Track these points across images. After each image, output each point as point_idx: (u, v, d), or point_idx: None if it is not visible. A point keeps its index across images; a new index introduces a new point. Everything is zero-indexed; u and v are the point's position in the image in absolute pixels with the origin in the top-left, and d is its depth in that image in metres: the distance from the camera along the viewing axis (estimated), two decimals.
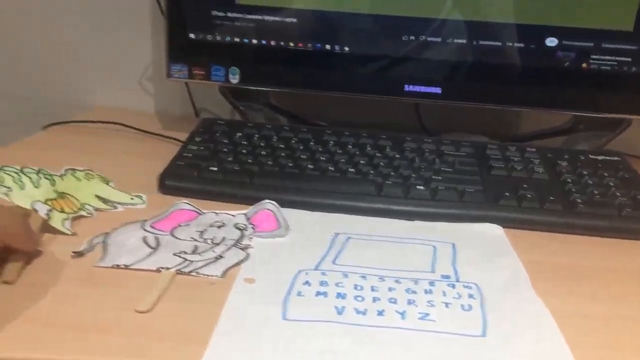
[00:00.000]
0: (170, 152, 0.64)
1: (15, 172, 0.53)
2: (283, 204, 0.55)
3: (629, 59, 0.67)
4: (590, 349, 0.37)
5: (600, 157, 0.65)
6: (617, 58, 0.67)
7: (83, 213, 0.52)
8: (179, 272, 0.44)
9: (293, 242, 0.49)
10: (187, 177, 0.58)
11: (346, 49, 0.70)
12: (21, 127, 0.75)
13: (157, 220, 0.52)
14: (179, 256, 0.46)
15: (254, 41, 0.70)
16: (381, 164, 0.61)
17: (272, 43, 0.70)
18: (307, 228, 0.52)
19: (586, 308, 0.43)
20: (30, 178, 0.53)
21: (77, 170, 0.58)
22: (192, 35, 0.71)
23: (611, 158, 0.65)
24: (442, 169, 0.61)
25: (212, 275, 0.44)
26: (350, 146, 0.64)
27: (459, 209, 0.56)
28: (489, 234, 0.53)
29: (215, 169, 0.59)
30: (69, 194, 0.54)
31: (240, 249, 0.48)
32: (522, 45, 0.68)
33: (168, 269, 0.44)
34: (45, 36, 0.88)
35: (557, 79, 0.69)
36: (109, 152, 0.70)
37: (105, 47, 0.87)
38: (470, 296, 0.42)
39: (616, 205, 0.56)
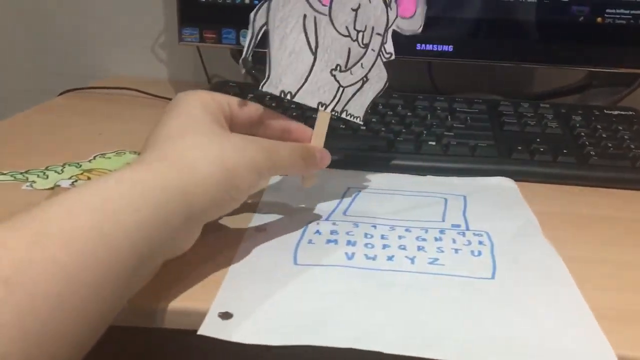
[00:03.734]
0: None
1: (40, 171, 0.52)
2: None
3: None
4: (599, 291, 0.37)
5: (614, 112, 0.64)
6: (632, 11, 0.66)
7: None
8: (334, 112, 0.43)
9: (305, 196, 0.50)
10: None
11: None
12: (37, 97, 0.77)
13: None
14: (334, 77, 0.42)
15: None
16: (392, 121, 0.61)
17: None
18: (319, 182, 0.52)
19: (597, 254, 0.43)
20: (55, 170, 0.52)
21: (106, 153, 0.57)
22: None
23: (626, 113, 0.64)
24: (454, 125, 0.61)
25: (356, 117, 0.44)
26: None
27: (471, 163, 0.56)
28: (501, 186, 0.53)
29: None
30: (98, 169, 0.54)
31: (382, 61, 0.44)
32: None
33: (326, 105, 0.42)
34: (57, 7, 0.89)
35: (572, 34, 0.68)
36: (122, 117, 0.71)
37: (118, 15, 0.88)
38: (480, 243, 0.43)
39: (630, 157, 0.55)
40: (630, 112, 0.64)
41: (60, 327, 0.26)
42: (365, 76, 0.45)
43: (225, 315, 0.33)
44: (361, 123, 0.47)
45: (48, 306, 0.25)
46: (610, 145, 0.57)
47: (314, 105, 0.43)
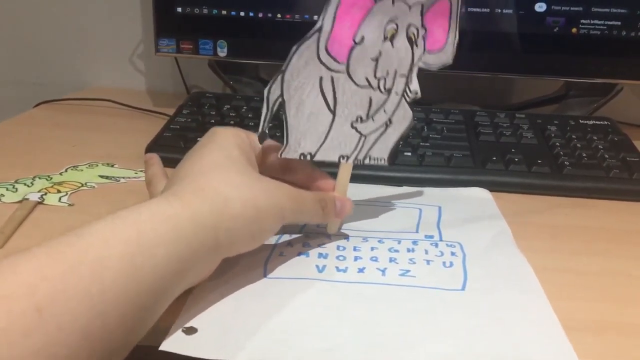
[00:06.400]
0: (161, 126, 0.64)
1: (9, 184, 0.51)
2: None
3: (619, 23, 0.66)
4: (568, 301, 0.37)
5: (590, 122, 0.65)
6: (607, 22, 0.67)
7: (84, 188, 0.52)
8: (356, 161, 0.43)
9: None
10: (173, 148, 0.58)
11: None
12: (13, 109, 0.76)
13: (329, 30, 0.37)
14: (355, 129, 0.41)
15: (242, 13, 0.70)
16: None
17: (260, 15, 0.70)
18: None
19: (568, 264, 0.43)
20: (24, 183, 0.52)
21: (79, 165, 0.57)
22: (179, 9, 0.71)
23: (601, 123, 0.65)
24: (430, 135, 0.61)
25: (380, 159, 0.44)
26: None
27: (446, 173, 0.56)
28: (476, 197, 0.53)
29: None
30: (69, 181, 0.53)
31: (407, 101, 0.43)
32: (510, 11, 0.67)
33: (347, 157, 0.42)
34: (36, 19, 0.88)
35: (548, 45, 0.69)
36: (97, 128, 0.70)
37: (95, 26, 0.88)
38: (453, 254, 0.42)
39: (604, 167, 0.56)
40: (606, 122, 0.65)
41: (86, 356, 0.27)
42: (389, 120, 0.43)
43: (190, 330, 0.33)
44: (386, 164, 0.45)
45: (75, 337, 0.26)
46: (584, 155, 0.57)
47: (335, 160, 0.42)
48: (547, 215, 0.51)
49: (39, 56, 0.90)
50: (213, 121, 0.63)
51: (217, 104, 0.67)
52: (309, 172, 0.44)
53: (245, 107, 0.66)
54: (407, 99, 0.43)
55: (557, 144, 0.60)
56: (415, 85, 0.43)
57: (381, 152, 0.44)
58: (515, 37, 0.68)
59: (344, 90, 0.40)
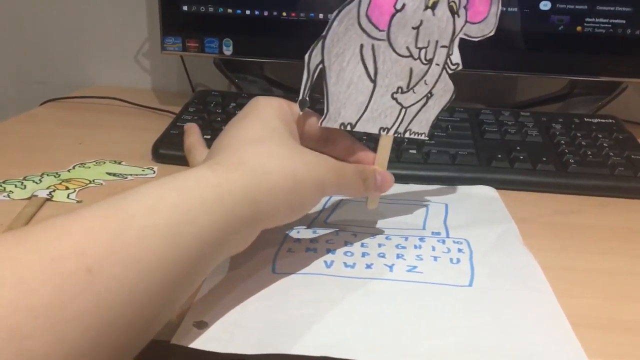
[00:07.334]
0: (166, 124, 0.64)
1: (18, 181, 0.52)
2: None
3: (623, 21, 0.66)
4: (576, 299, 0.38)
5: (594, 120, 0.65)
6: (612, 20, 0.67)
7: (92, 185, 0.52)
8: (397, 134, 0.42)
9: None
10: (180, 146, 0.58)
11: None
12: (19, 106, 0.76)
13: None
14: (396, 100, 0.40)
15: (247, 12, 0.70)
16: None
17: (265, 13, 0.70)
18: None
19: (575, 262, 0.43)
20: (33, 180, 0.52)
21: (86, 162, 0.57)
22: (184, 8, 0.71)
23: (605, 121, 0.65)
24: (435, 133, 0.61)
25: (421, 134, 0.43)
26: None
27: (452, 171, 0.56)
28: (482, 194, 0.53)
29: (208, 137, 0.59)
30: (76, 178, 0.53)
31: (448, 73, 0.42)
32: (515, 9, 0.68)
33: (388, 129, 0.41)
34: (40, 17, 0.89)
35: (552, 44, 0.69)
36: (103, 126, 0.70)
37: (101, 24, 0.88)
38: (460, 251, 0.43)
39: (609, 165, 0.56)
40: (610, 120, 0.65)
41: (129, 319, 0.27)
42: (430, 92, 0.42)
43: (201, 325, 0.33)
44: (426, 139, 0.45)
45: (121, 301, 0.26)
46: (589, 153, 0.58)
47: (376, 132, 0.42)
48: (552, 213, 0.51)
49: (44, 55, 0.90)
50: (219, 119, 0.63)
51: (223, 102, 0.67)
52: (349, 144, 0.43)
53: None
54: (448, 71, 0.42)
55: (562, 142, 0.60)
56: (456, 57, 0.42)
57: (421, 127, 0.44)
58: (520, 36, 0.69)
59: (385, 59, 0.39)
